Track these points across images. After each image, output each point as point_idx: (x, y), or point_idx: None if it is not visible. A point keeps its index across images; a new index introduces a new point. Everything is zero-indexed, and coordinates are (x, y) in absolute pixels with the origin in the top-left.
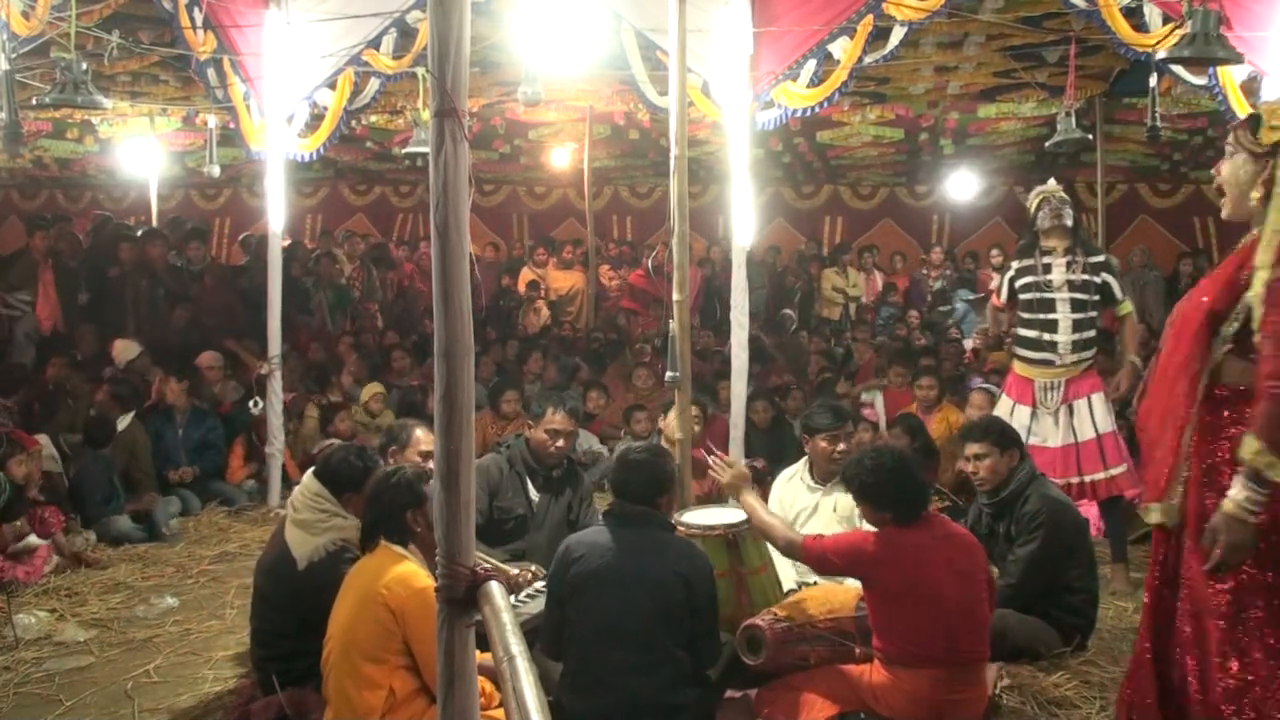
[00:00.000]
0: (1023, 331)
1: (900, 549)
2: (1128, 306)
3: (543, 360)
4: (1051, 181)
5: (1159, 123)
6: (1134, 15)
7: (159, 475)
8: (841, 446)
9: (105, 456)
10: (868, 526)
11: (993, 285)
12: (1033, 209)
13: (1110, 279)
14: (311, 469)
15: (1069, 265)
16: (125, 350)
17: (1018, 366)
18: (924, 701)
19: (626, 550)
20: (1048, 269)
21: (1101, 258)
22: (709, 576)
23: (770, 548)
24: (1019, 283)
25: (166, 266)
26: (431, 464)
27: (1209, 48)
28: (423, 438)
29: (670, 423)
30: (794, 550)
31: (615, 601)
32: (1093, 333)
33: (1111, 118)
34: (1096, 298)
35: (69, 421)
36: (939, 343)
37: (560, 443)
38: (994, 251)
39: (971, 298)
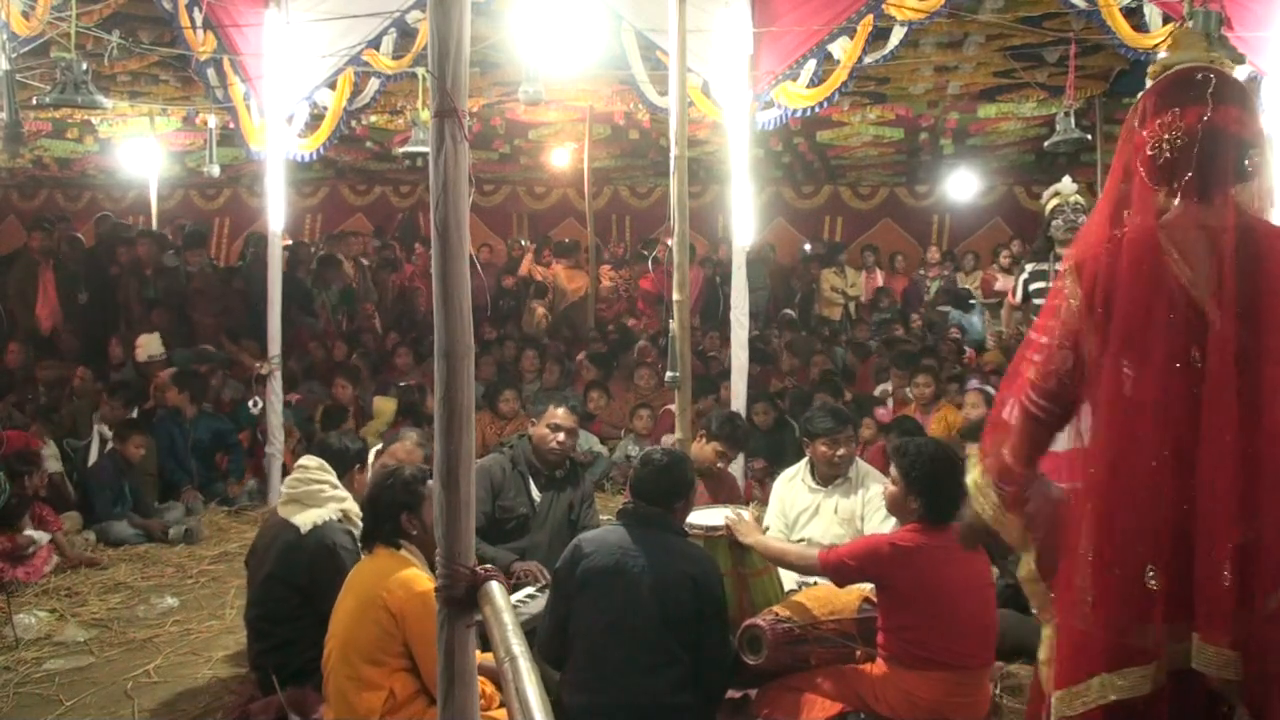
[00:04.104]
0: None
1: (915, 553)
2: None
3: (539, 359)
4: (1066, 180)
5: None
6: (1134, 15)
7: (162, 477)
8: (842, 450)
9: (118, 457)
10: (870, 529)
11: (998, 285)
12: (1047, 211)
13: None
14: (307, 454)
15: None
16: (149, 345)
17: None
18: (925, 703)
19: (637, 550)
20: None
21: None
22: (717, 582)
23: None
24: (1032, 286)
25: (159, 268)
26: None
27: None
28: (403, 445)
29: (702, 450)
30: (811, 567)
31: (622, 600)
32: None
33: (1111, 118)
34: None
35: (70, 423)
36: (938, 342)
37: (561, 437)
38: (1002, 254)
39: (979, 301)
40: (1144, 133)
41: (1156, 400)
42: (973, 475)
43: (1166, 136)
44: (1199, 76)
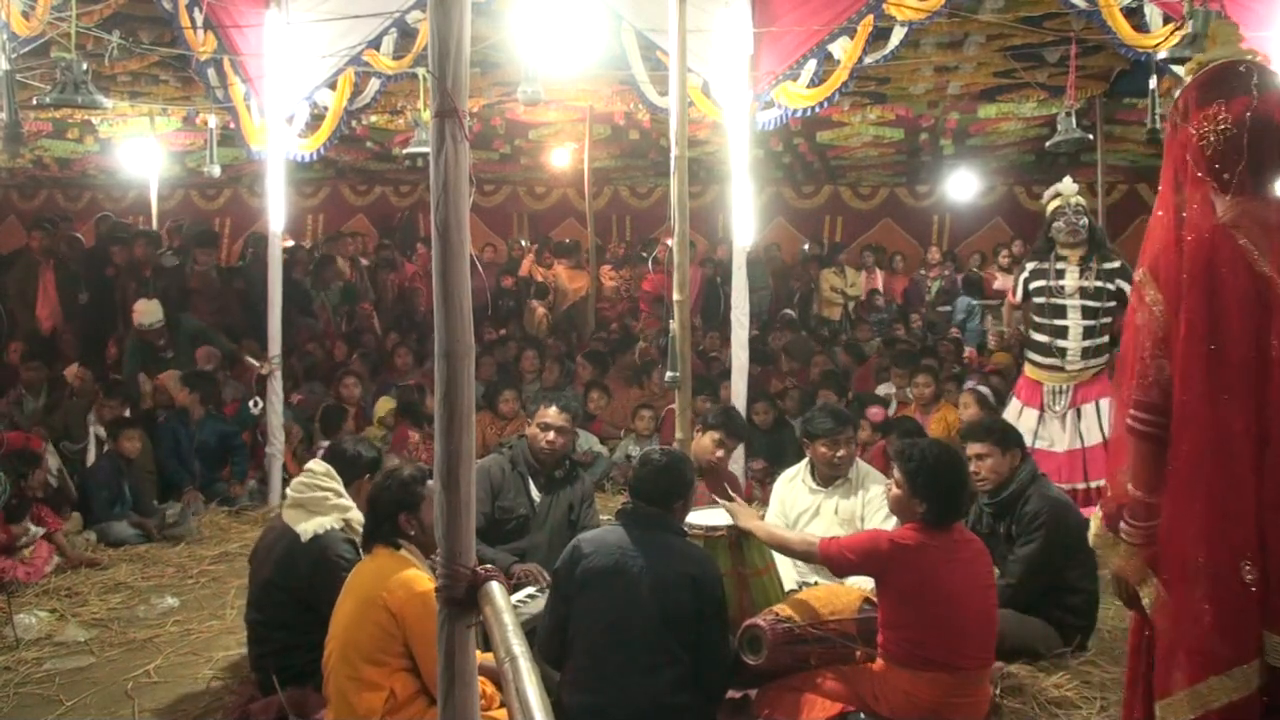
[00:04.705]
0: (1034, 335)
1: (914, 551)
2: None
3: (539, 359)
4: (1067, 181)
5: (1159, 124)
6: (1134, 15)
7: (163, 476)
8: (842, 451)
9: (117, 457)
10: (869, 526)
11: (996, 284)
12: (1048, 212)
13: (1126, 286)
14: (316, 457)
15: (1083, 272)
16: (148, 311)
17: (1028, 369)
18: (925, 703)
19: (636, 550)
20: (1060, 274)
21: (1117, 263)
22: (717, 582)
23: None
24: (1032, 285)
25: (158, 268)
26: None
27: None
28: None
29: (700, 443)
30: (811, 555)
31: (621, 600)
32: (1104, 339)
33: (1111, 118)
34: (1111, 304)
35: (64, 424)
36: (938, 342)
37: (550, 435)
38: (1002, 254)
39: (979, 302)
40: (1189, 127)
41: (1245, 394)
42: (1094, 528)
43: (1214, 128)
44: (1241, 69)
